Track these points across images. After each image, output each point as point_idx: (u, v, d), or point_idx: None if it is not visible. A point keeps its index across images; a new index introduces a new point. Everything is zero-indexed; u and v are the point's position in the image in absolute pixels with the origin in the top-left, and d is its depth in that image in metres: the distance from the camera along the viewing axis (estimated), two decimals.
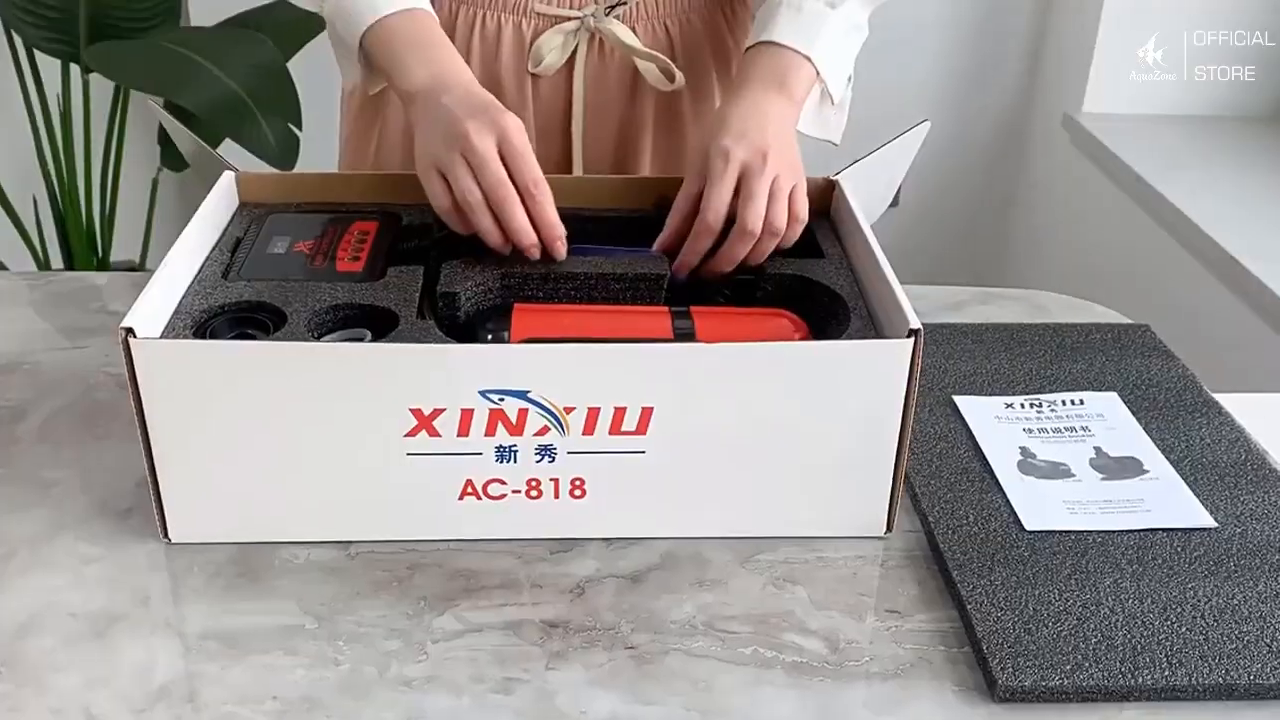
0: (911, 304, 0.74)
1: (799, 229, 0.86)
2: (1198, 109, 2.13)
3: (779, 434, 0.76)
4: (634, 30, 1.05)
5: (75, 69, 1.95)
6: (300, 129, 1.80)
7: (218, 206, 0.89)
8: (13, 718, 0.65)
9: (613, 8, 1.03)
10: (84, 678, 0.68)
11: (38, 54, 1.94)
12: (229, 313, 0.79)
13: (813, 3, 0.94)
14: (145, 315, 0.73)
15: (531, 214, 0.81)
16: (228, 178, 0.92)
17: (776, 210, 0.84)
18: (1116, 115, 2.13)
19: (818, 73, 0.94)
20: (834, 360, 0.74)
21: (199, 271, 0.83)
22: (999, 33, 2.29)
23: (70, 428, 0.90)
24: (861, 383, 0.74)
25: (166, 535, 0.77)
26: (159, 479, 0.75)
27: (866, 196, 0.92)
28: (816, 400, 0.75)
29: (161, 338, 0.75)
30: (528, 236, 0.81)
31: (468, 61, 1.06)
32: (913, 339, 0.73)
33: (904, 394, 0.74)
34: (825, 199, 0.94)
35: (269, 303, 0.79)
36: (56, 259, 2.15)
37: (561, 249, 0.83)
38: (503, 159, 0.80)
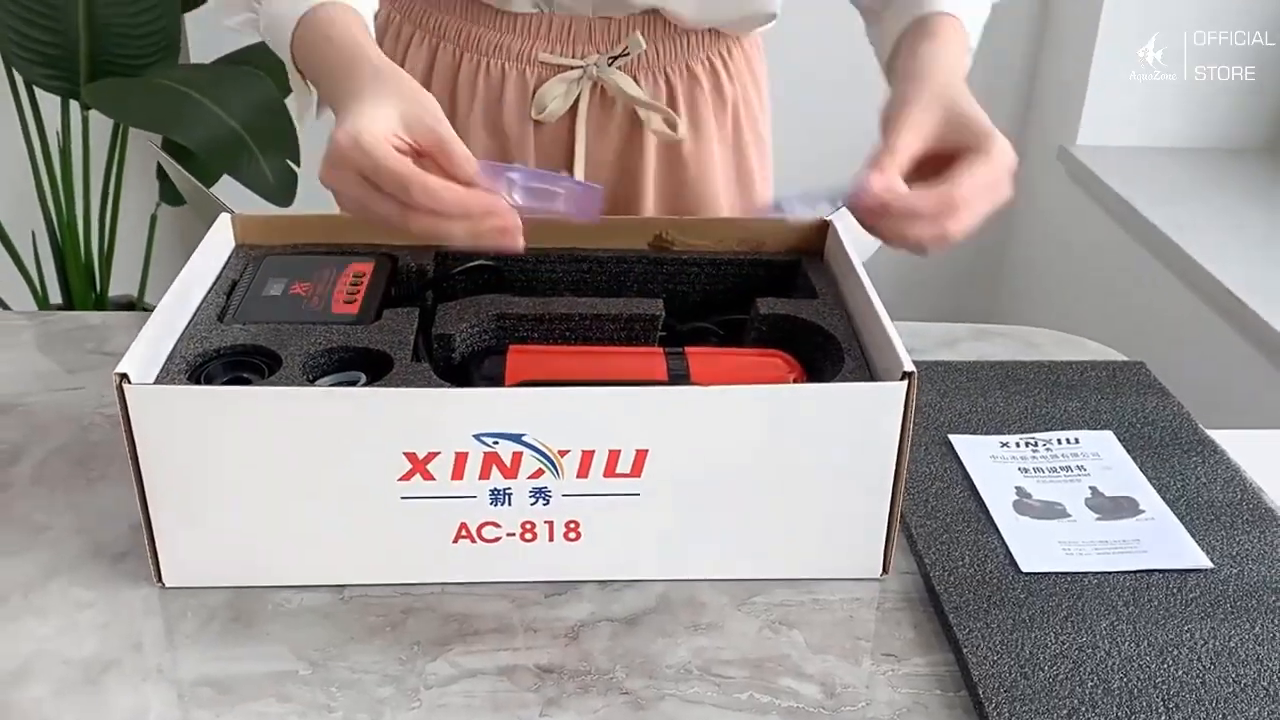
0: (906, 341, 0.74)
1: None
2: (1193, 141, 2.14)
3: (774, 476, 0.76)
4: (636, 79, 1.05)
5: (75, 105, 1.96)
6: (299, 165, 1.80)
7: (214, 248, 0.90)
8: None
9: (615, 58, 1.04)
10: None
11: (37, 91, 1.95)
12: (223, 356, 0.79)
13: None
14: (140, 360, 0.73)
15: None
16: (224, 219, 0.92)
17: (977, 210, 0.78)
18: (1111, 148, 2.15)
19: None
20: (828, 402, 0.74)
21: (194, 315, 0.83)
22: (993, 66, 2.30)
23: (64, 470, 0.89)
24: (856, 425, 0.74)
25: (160, 580, 0.77)
26: (153, 523, 0.75)
27: (858, 235, 0.93)
28: (811, 442, 0.75)
29: (156, 383, 0.75)
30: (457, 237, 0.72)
31: (470, 107, 1.07)
32: (906, 381, 0.73)
33: (898, 436, 0.74)
34: (819, 239, 0.94)
35: (264, 346, 0.79)
36: (55, 294, 2.16)
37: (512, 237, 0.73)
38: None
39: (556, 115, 1.06)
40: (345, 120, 0.73)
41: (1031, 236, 2.39)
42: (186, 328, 0.81)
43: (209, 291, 0.86)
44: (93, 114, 1.96)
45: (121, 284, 2.17)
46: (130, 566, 0.79)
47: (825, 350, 0.82)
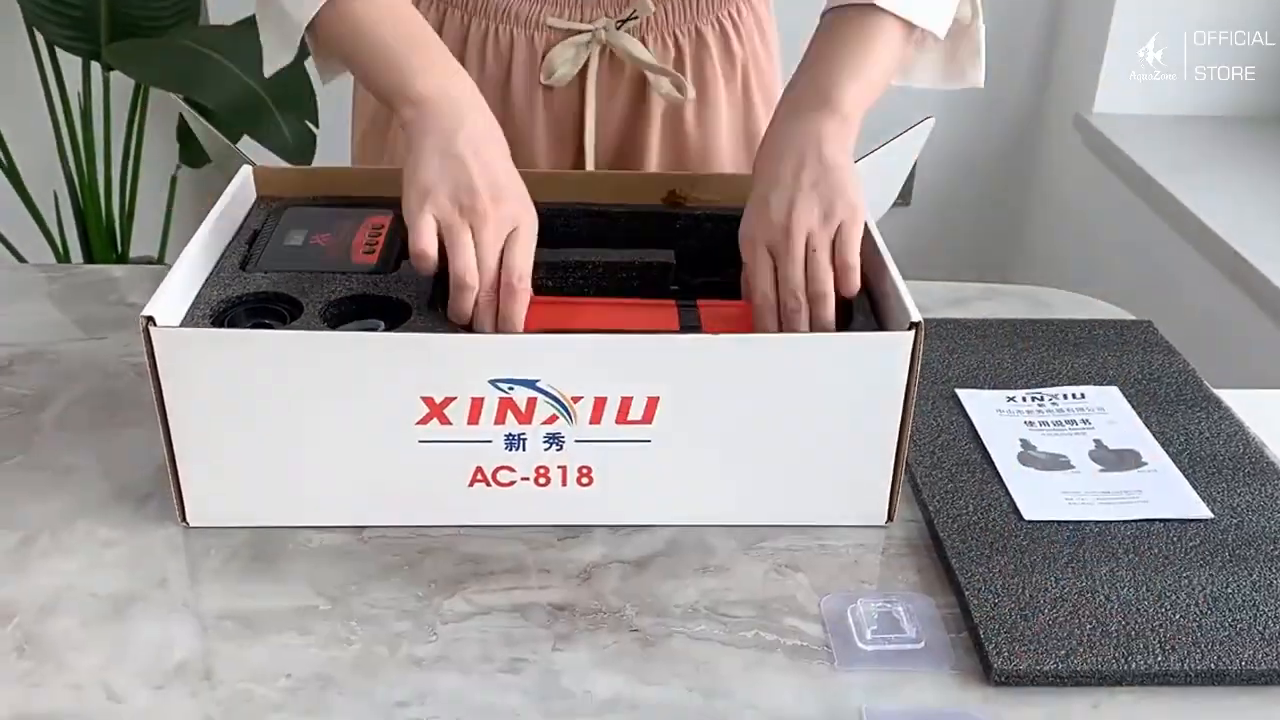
0: (915, 299, 0.76)
1: (852, 277, 0.81)
2: (1209, 109, 2.13)
3: (782, 424, 0.77)
4: (644, 42, 1.06)
5: (96, 67, 1.98)
6: (317, 126, 1.82)
7: (236, 199, 0.91)
8: (35, 694, 0.67)
9: (624, 22, 1.05)
10: (103, 656, 0.70)
11: (59, 52, 1.97)
12: (246, 303, 0.81)
13: None
14: (165, 304, 0.75)
15: (501, 305, 0.78)
16: (245, 171, 0.94)
17: (814, 275, 0.80)
18: (1127, 115, 2.14)
19: (899, 18, 0.88)
20: (836, 352, 0.75)
21: (217, 263, 0.85)
22: (1010, 34, 2.30)
23: (90, 416, 0.92)
24: (863, 374, 0.76)
25: (185, 519, 0.79)
26: (177, 464, 0.77)
27: (871, 192, 0.94)
28: (819, 391, 0.76)
29: (181, 326, 0.77)
30: (487, 329, 0.79)
31: (480, 72, 1.08)
32: (913, 332, 0.74)
33: (905, 386, 0.76)
34: None
35: (285, 293, 0.81)
36: (76, 254, 2.18)
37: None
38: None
39: (566, 80, 1.06)
40: (497, 181, 0.79)
41: (1048, 203, 2.39)
42: (210, 275, 0.83)
43: (231, 240, 0.88)
44: (113, 76, 1.98)
45: (142, 244, 2.19)
46: (154, 508, 0.82)
47: (836, 304, 0.83)
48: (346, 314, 0.81)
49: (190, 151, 2.11)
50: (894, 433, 0.78)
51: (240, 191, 0.92)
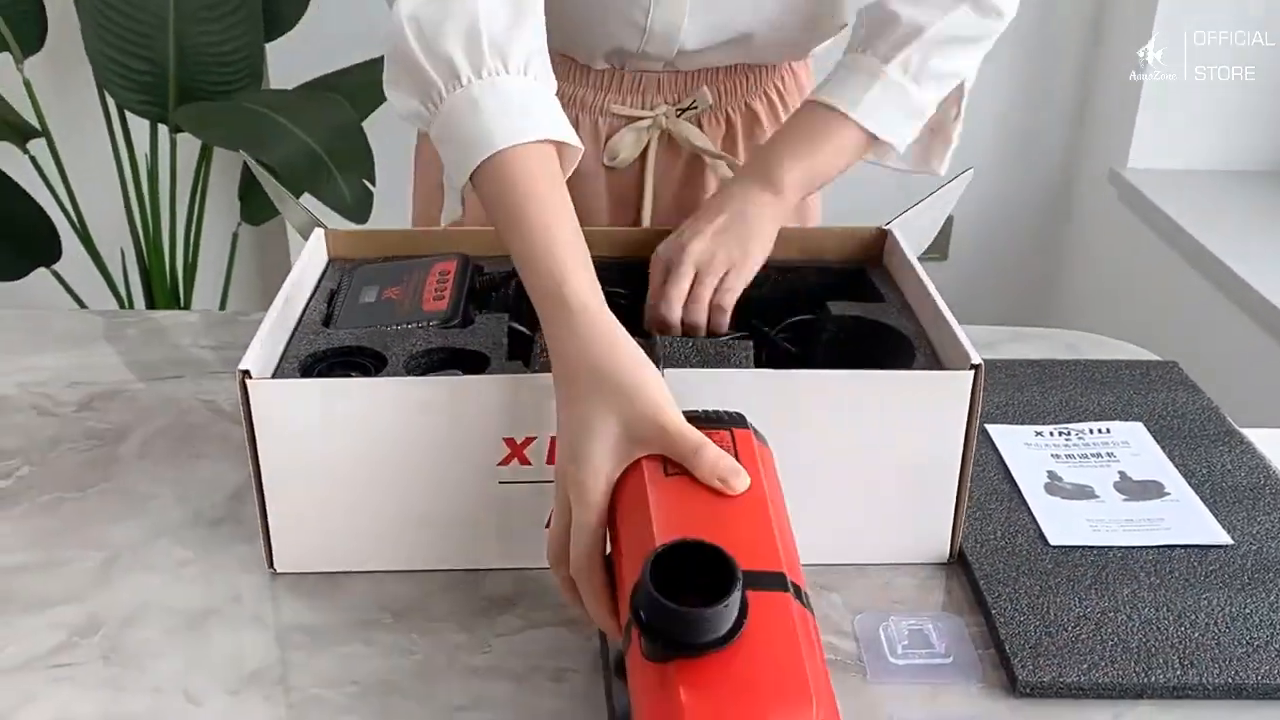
0: None
1: (719, 317, 0.93)
2: (1243, 165, 2.17)
3: (846, 463, 0.80)
4: (700, 124, 1.12)
5: (163, 129, 2.08)
6: (374, 185, 1.90)
7: (311, 260, 0.96)
8: (120, 697, 0.72)
9: (683, 110, 1.11)
10: (182, 663, 0.75)
11: (128, 115, 2.07)
12: (332, 357, 0.85)
13: (868, 60, 0.99)
14: (258, 358, 0.79)
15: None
16: (318, 235, 0.99)
17: (691, 305, 0.92)
18: (1161, 170, 2.18)
19: (864, 130, 0.98)
20: (901, 391, 0.79)
21: (299, 320, 0.90)
22: (1045, 89, 2.35)
23: (166, 448, 0.98)
24: (926, 413, 0.79)
25: (272, 565, 0.83)
26: (268, 511, 0.80)
27: (913, 239, 0.99)
28: (883, 430, 0.79)
29: (274, 379, 0.81)
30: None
31: None
32: (973, 372, 0.78)
33: (965, 424, 0.79)
34: (876, 247, 1.00)
35: (369, 347, 0.85)
36: (140, 307, 2.27)
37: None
38: None
39: (627, 163, 1.13)
40: (566, 441, 0.69)
41: (1082, 257, 2.42)
42: (294, 332, 0.88)
43: (310, 299, 0.93)
44: (179, 138, 2.07)
45: (203, 298, 2.28)
46: (227, 530, 0.87)
47: (895, 348, 0.88)
48: (426, 365, 0.84)
49: (251, 209, 2.20)
50: (955, 472, 0.81)
51: (314, 253, 0.98)
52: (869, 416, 0.79)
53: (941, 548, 0.84)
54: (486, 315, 0.90)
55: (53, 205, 2.08)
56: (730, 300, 0.93)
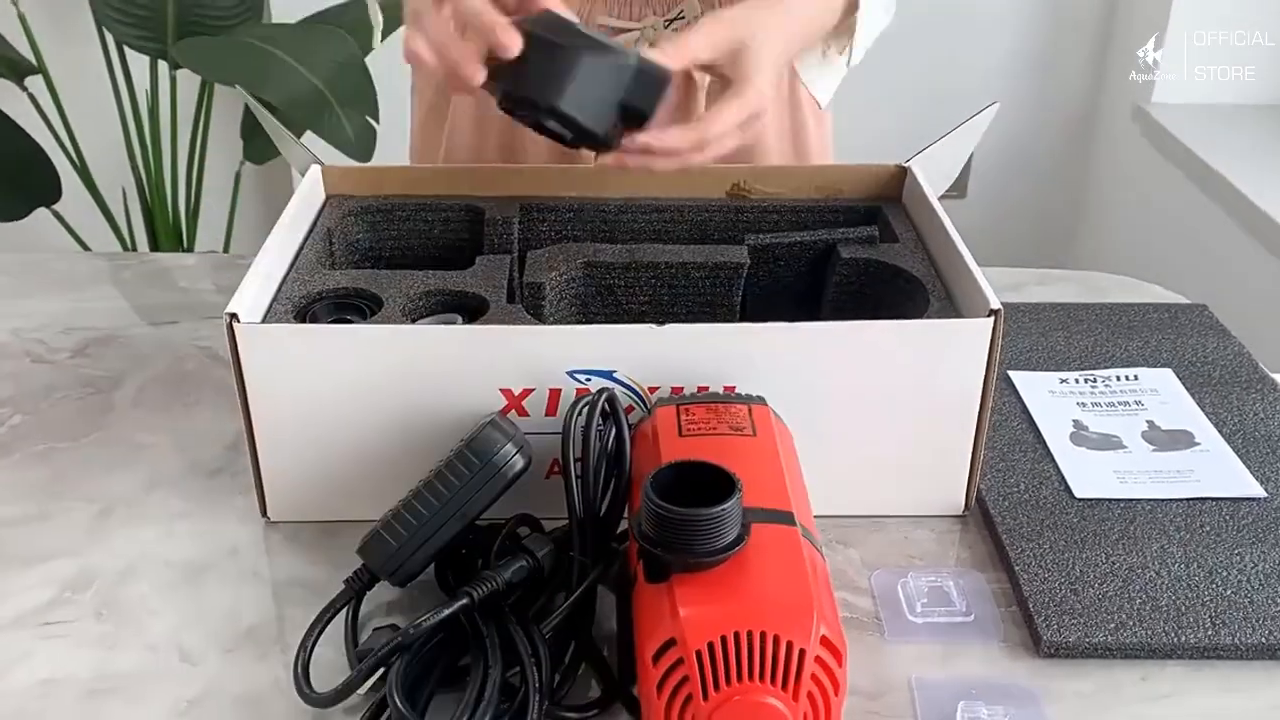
0: None
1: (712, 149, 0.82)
2: (1268, 98, 2.11)
3: (859, 413, 0.77)
4: None
5: (163, 66, 2.03)
6: (377, 122, 1.85)
7: (307, 198, 0.93)
8: (113, 654, 0.70)
9: (670, 21, 1.06)
10: (177, 619, 0.72)
11: (128, 51, 2.02)
12: (327, 299, 0.82)
13: None
14: (248, 301, 0.76)
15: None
16: (315, 171, 0.96)
17: (725, 145, 0.82)
18: (1186, 106, 2.13)
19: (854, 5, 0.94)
20: (916, 340, 0.76)
21: (294, 259, 0.87)
22: (1067, 25, 2.29)
23: (162, 396, 0.95)
24: (943, 362, 0.76)
25: (266, 514, 0.81)
26: (259, 459, 0.78)
27: (935, 176, 0.95)
28: (897, 380, 0.76)
29: (263, 322, 0.79)
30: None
31: None
32: (993, 319, 0.75)
33: (984, 373, 0.76)
34: (896, 185, 0.96)
35: (365, 289, 0.82)
36: (143, 248, 2.24)
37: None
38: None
39: None
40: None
41: (1106, 195, 2.38)
42: (288, 272, 0.85)
43: (305, 238, 0.90)
44: (180, 74, 2.03)
45: (207, 239, 2.25)
46: (224, 482, 0.85)
47: (909, 292, 0.84)
48: (425, 309, 0.82)
49: (254, 148, 2.16)
50: (973, 422, 0.78)
51: (310, 191, 0.94)
52: (880, 367, 0.76)
53: (956, 500, 0.81)
54: (486, 257, 0.87)
55: (52, 144, 2.04)
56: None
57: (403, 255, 0.95)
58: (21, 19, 1.95)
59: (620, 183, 0.95)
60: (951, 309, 0.81)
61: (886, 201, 0.96)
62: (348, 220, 0.93)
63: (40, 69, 2.00)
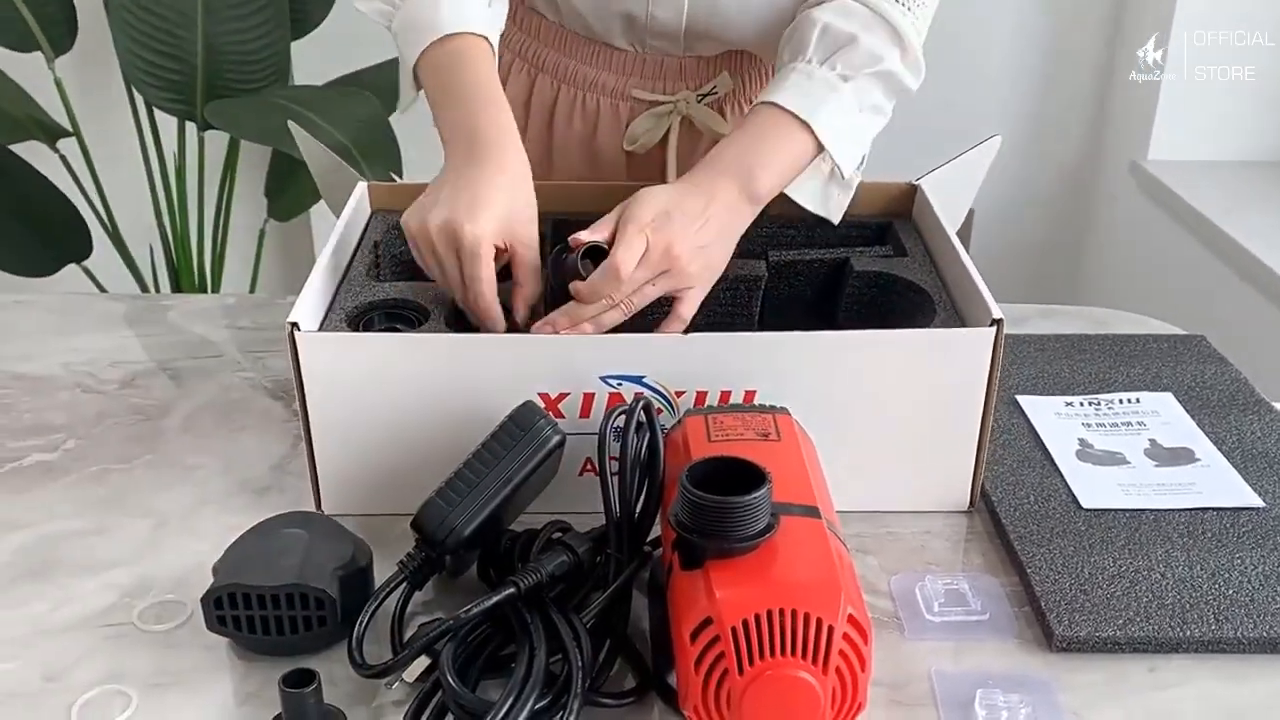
0: None
1: (676, 327, 0.85)
2: (1262, 155, 2.18)
3: (872, 415, 0.83)
4: (722, 111, 1.13)
5: (190, 127, 2.10)
6: (400, 176, 1.91)
7: (355, 213, 1.00)
8: (171, 652, 0.74)
9: (704, 96, 1.12)
10: None
11: (157, 114, 2.09)
12: (378, 309, 0.89)
13: (824, 72, 0.92)
14: (306, 311, 0.82)
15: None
16: (361, 187, 1.03)
17: (633, 301, 0.83)
18: (1182, 162, 2.19)
19: (820, 144, 0.92)
20: (925, 348, 0.81)
21: (346, 271, 0.93)
22: (1065, 83, 2.36)
23: (209, 422, 1.00)
24: (949, 367, 0.81)
25: (320, 508, 0.86)
26: (315, 458, 0.84)
27: (945, 204, 1.00)
28: (906, 385, 0.82)
29: (321, 330, 0.84)
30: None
31: (568, 129, 1.14)
32: (995, 328, 0.80)
33: (987, 378, 0.81)
34: (906, 202, 1.02)
35: (412, 299, 0.88)
36: None
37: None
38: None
39: (647, 148, 1.14)
40: (458, 203, 0.84)
41: (1105, 248, 2.43)
42: (341, 283, 0.91)
43: (355, 251, 0.97)
44: (206, 137, 2.10)
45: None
46: (272, 499, 0.89)
47: (918, 303, 0.90)
48: (467, 319, 0.88)
49: (278, 206, 2.22)
50: (977, 423, 0.83)
51: (358, 206, 1.01)
52: (892, 372, 0.81)
53: (962, 497, 0.86)
54: None
55: (82, 203, 2.11)
56: (688, 313, 0.86)
57: None
58: (58, 84, 2.03)
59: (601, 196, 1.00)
60: (956, 319, 0.86)
61: (897, 217, 1.01)
62: (391, 234, 0.99)
63: (75, 131, 2.07)
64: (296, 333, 0.80)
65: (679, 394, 0.81)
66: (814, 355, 0.81)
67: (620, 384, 0.80)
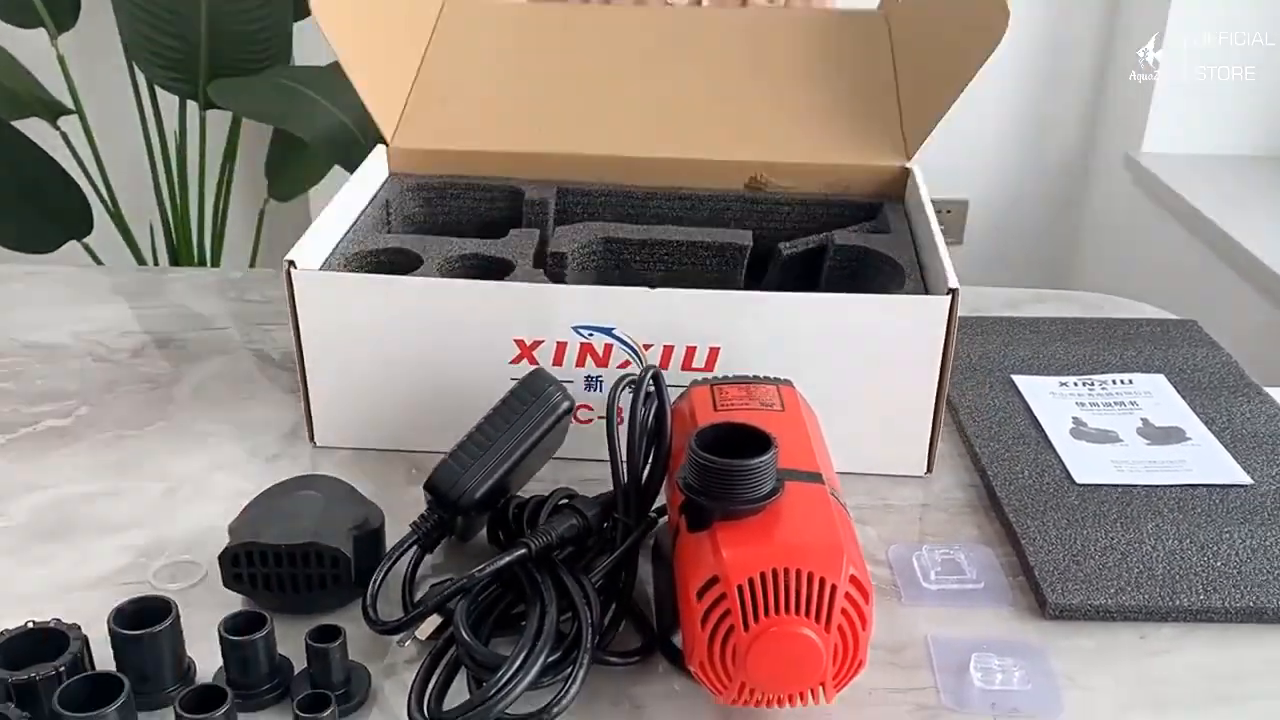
0: (970, 303, 0.86)
1: None
2: (1257, 150, 2.20)
3: (832, 378, 0.85)
4: None
5: (192, 106, 2.11)
6: None
7: (371, 172, 1.05)
8: (188, 611, 0.76)
9: None
10: None
11: (158, 91, 2.10)
12: (376, 256, 0.94)
13: None
14: (306, 252, 0.88)
15: None
16: (379, 150, 1.07)
17: None
18: (1176, 155, 2.22)
19: None
20: (883, 312, 0.84)
21: (354, 223, 0.98)
22: (1060, 76, 2.38)
23: (220, 391, 1.01)
24: (907, 334, 0.84)
25: (313, 440, 0.91)
26: (309, 391, 0.89)
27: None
28: (866, 348, 0.85)
29: (318, 270, 0.89)
30: None
31: None
32: (950, 296, 0.82)
33: (943, 346, 0.84)
34: (899, 184, 1.05)
35: (409, 249, 0.93)
36: None
37: None
38: None
39: None
40: None
41: (1098, 241, 2.46)
42: (347, 233, 0.96)
43: (366, 206, 1.01)
44: (207, 116, 2.11)
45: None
46: (283, 465, 0.91)
47: (892, 276, 0.93)
48: (459, 270, 0.92)
49: (279, 186, 2.23)
50: (933, 389, 0.86)
51: (373, 166, 1.05)
52: (850, 335, 0.84)
53: (919, 460, 0.89)
54: (519, 230, 0.98)
55: (83, 180, 2.12)
56: None
57: (450, 228, 1.05)
58: (61, 61, 2.04)
59: (648, 172, 1.05)
60: (922, 290, 0.89)
61: (890, 200, 1.04)
62: (405, 195, 1.04)
63: (77, 109, 2.08)
64: (293, 270, 0.85)
65: (647, 346, 0.85)
66: (777, 315, 0.84)
67: (591, 335, 0.84)
